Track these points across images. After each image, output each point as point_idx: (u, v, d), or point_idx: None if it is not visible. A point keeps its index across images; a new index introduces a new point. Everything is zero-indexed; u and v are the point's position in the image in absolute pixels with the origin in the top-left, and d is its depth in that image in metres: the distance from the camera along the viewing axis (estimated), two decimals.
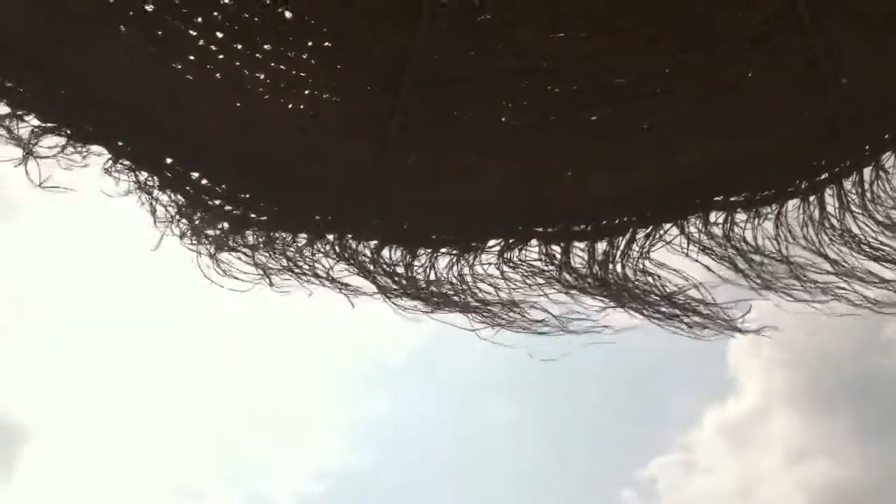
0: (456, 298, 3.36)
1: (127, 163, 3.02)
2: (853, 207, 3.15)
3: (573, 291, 3.34)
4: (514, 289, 3.34)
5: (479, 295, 3.35)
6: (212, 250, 3.14)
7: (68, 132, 2.98)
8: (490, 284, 3.31)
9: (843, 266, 3.16)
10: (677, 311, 3.35)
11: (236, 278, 3.22)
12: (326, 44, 3.01)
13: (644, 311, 3.38)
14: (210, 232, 3.07)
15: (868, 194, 3.16)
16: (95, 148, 3.00)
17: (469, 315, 3.38)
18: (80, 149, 2.99)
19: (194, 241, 3.11)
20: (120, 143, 3.00)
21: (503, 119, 3.22)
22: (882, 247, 3.12)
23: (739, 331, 3.41)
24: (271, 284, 3.27)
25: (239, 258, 3.21)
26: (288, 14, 2.93)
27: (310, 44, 2.99)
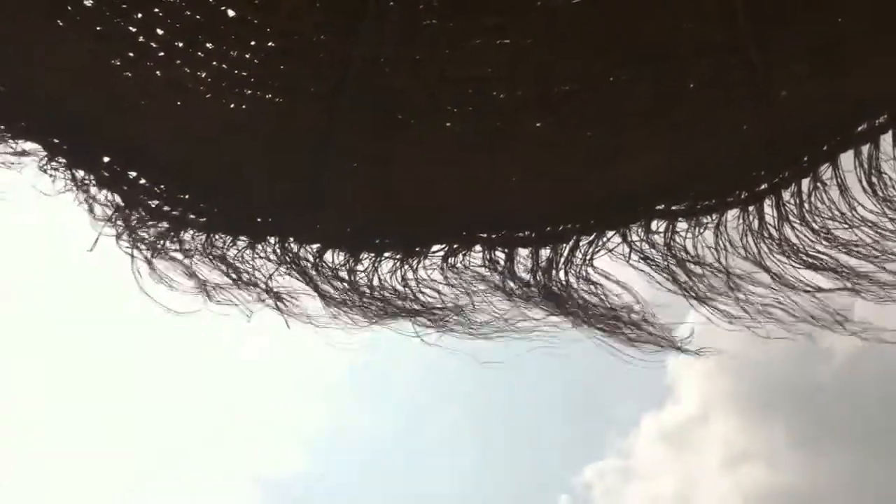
0: (399, 303, 3.33)
1: (63, 161, 2.95)
2: (791, 218, 3.19)
3: (516, 300, 3.33)
4: (457, 296, 3.32)
5: (423, 299, 3.32)
6: (148, 255, 3.07)
7: (2, 128, 2.91)
8: (433, 290, 3.28)
9: (781, 276, 3.20)
10: (619, 325, 3.35)
11: (171, 287, 3.14)
12: (270, 44, 2.99)
13: (586, 323, 3.38)
14: (146, 235, 3.00)
15: (806, 205, 3.21)
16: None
17: (412, 320, 3.34)
18: (14, 145, 2.92)
19: (130, 244, 3.04)
20: (55, 141, 2.93)
21: (448, 124, 3.21)
22: (819, 255, 3.16)
23: (680, 350, 3.42)
24: (209, 297, 3.19)
25: (175, 267, 3.13)
26: (231, 13, 2.91)
27: (253, 43, 2.96)
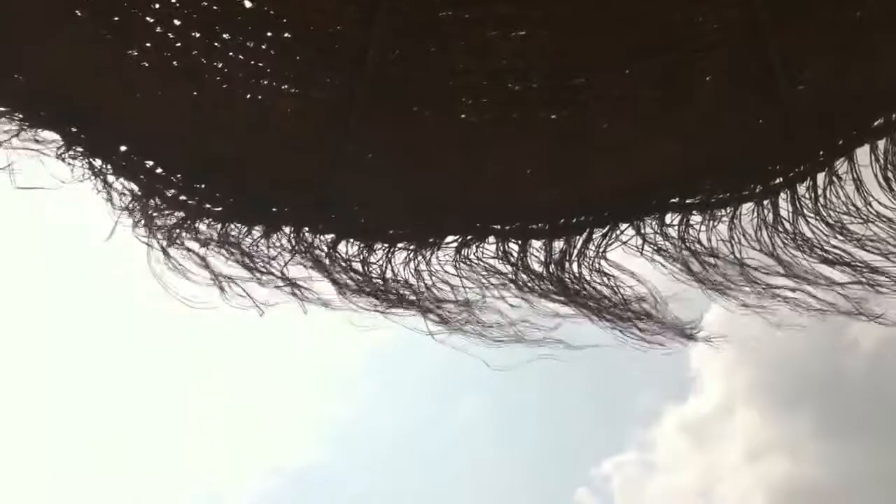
0: (413, 299, 3.34)
1: (80, 149, 2.98)
2: (806, 212, 3.19)
3: (528, 293, 3.34)
4: (469, 288, 3.33)
5: (436, 294, 3.33)
6: (164, 244, 3.09)
7: (21, 117, 2.93)
8: (446, 282, 3.30)
9: (796, 269, 3.19)
10: (631, 316, 3.36)
11: (188, 278, 3.15)
12: (286, 35, 3.00)
13: (598, 315, 3.38)
14: (162, 223, 3.02)
15: (821, 199, 3.20)
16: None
17: (426, 317, 3.35)
18: (32, 134, 2.94)
19: (147, 233, 3.06)
20: (73, 130, 2.95)
21: (463, 116, 3.22)
22: (833, 250, 3.16)
23: (692, 338, 3.43)
24: (222, 290, 3.20)
25: (191, 258, 3.14)
26: (248, 4, 2.92)
27: (269, 34, 2.98)
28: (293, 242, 3.18)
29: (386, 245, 3.26)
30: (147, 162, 3.06)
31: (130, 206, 2.99)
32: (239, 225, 3.14)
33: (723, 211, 3.25)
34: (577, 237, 3.30)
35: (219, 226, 3.12)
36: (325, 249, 3.20)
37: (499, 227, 3.33)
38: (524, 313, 3.28)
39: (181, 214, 3.07)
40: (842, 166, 3.20)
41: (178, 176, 3.09)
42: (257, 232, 3.15)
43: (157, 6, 2.84)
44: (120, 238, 3.06)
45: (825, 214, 3.18)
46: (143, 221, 3.02)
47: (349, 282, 3.19)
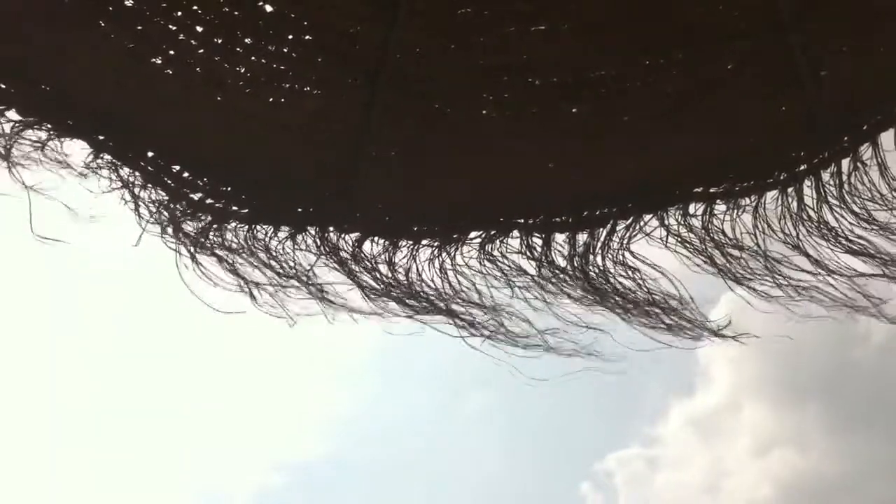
0: (440, 303, 3.36)
1: (108, 157, 3.01)
2: (831, 199, 3.18)
3: (552, 289, 3.35)
4: (496, 288, 3.34)
5: (463, 297, 3.34)
6: (192, 249, 3.12)
7: (49, 127, 2.97)
8: (472, 282, 3.31)
9: (820, 259, 3.19)
10: (658, 312, 3.36)
11: (214, 283, 3.18)
12: (307, 38, 3.02)
13: (624, 310, 3.39)
14: (190, 228, 3.06)
15: (846, 186, 3.19)
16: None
17: (454, 321, 3.36)
18: (60, 143, 2.98)
19: (175, 239, 3.09)
20: (101, 138, 2.99)
21: (484, 112, 3.22)
22: (858, 240, 3.15)
23: (718, 335, 3.42)
24: (252, 297, 3.23)
25: (220, 263, 3.17)
26: (268, 8, 2.94)
27: (290, 37, 3.00)
28: (318, 243, 3.21)
29: (411, 242, 3.28)
30: (174, 166, 3.09)
31: (158, 212, 3.03)
32: (265, 227, 3.17)
33: (747, 200, 3.25)
34: (601, 229, 3.31)
35: (245, 228, 3.16)
36: (351, 249, 3.22)
37: (522, 220, 3.34)
38: (554, 323, 3.27)
39: (208, 218, 3.11)
40: (866, 152, 3.19)
41: (205, 179, 3.12)
42: (283, 233, 3.18)
43: (179, 14, 2.86)
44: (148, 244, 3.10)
45: (850, 201, 3.17)
46: (170, 226, 3.06)
47: (375, 284, 3.22)
